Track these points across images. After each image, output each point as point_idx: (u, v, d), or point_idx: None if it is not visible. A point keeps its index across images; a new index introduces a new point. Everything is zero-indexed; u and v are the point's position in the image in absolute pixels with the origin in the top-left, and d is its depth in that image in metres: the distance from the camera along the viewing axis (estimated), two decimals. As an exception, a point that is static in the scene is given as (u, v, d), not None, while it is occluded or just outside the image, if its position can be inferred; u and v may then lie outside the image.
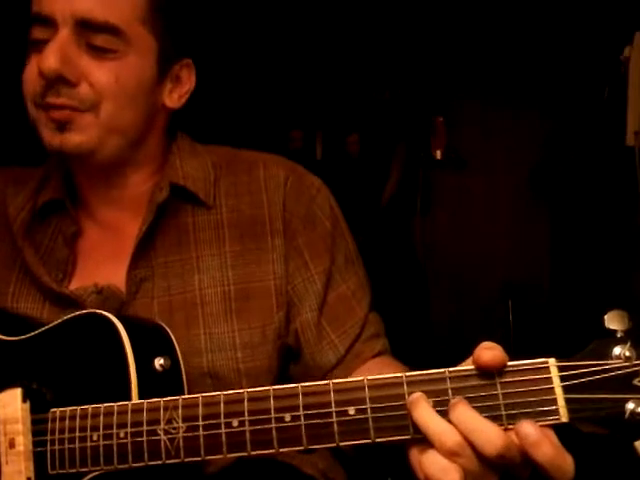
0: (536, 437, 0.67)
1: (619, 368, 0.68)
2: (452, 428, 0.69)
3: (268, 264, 1.03)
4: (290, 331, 1.05)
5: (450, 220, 4.30)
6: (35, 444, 0.84)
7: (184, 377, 0.90)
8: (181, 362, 0.90)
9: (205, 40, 1.19)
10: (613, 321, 0.70)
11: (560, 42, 3.83)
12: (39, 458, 0.84)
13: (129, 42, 0.97)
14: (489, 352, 0.70)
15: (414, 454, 0.72)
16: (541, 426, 0.68)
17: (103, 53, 0.96)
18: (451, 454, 0.69)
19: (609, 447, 0.73)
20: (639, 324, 0.69)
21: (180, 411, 0.78)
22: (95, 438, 0.80)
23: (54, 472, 0.83)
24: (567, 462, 0.68)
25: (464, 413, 0.69)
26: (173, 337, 0.92)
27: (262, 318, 1.02)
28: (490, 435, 0.68)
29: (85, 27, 0.95)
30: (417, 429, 0.71)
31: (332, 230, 1.09)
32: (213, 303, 1.01)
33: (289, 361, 1.07)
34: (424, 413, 0.70)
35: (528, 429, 0.67)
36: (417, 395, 0.71)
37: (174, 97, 1.06)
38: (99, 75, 0.96)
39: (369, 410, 0.72)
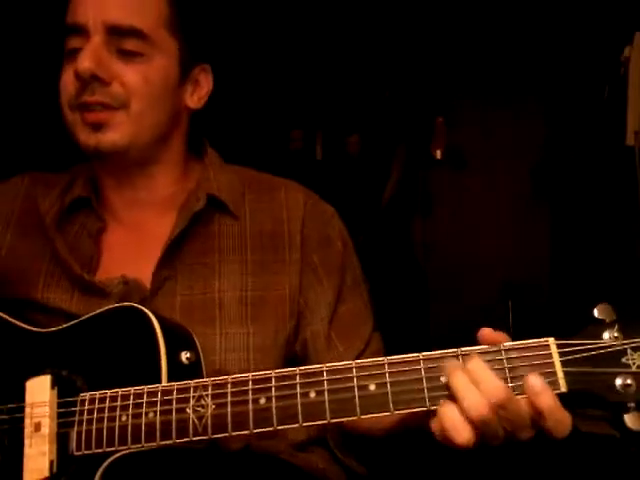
0: (540, 387, 0.76)
1: (609, 347, 0.78)
2: (483, 400, 0.77)
3: (285, 275, 1.11)
4: (299, 340, 1.11)
5: (450, 220, 4.31)
6: (60, 426, 0.87)
7: (204, 372, 0.94)
8: (202, 358, 0.95)
9: (219, 46, 1.30)
10: (602, 312, 0.80)
11: (560, 42, 3.84)
12: (63, 440, 0.86)
13: (154, 45, 1.07)
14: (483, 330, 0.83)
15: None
16: None
17: (132, 57, 1.06)
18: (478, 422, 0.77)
19: (607, 448, 0.81)
20: (624, 314, 0.79)
21: (210, 390, 0.82)
22: (124, 418, 0.83)
23: (79, 453, 0.85)
24: (566, 417, 0.77)
25: (477, 364, 0.79)
26: (195, 336, 0.97)
27: (275, 324, 1.08)
28: (495, 385, 0.77)
29: (114, 33, 1.04)
30: (432, 402, 0.79)
31: (343, 252, 1.17)
32: (231, 306, 1.07)
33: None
34: (460, 380, 0.79)
35: (533, 380, 0.77)
36: (454, 364, 0.80)
37: (194, 99, 1.16)
38: (130, 76, 1.05)
39: (389, 385, 0.80)
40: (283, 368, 1.06)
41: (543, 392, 0.76)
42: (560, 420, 0.77)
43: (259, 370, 1.01)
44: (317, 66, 4.11)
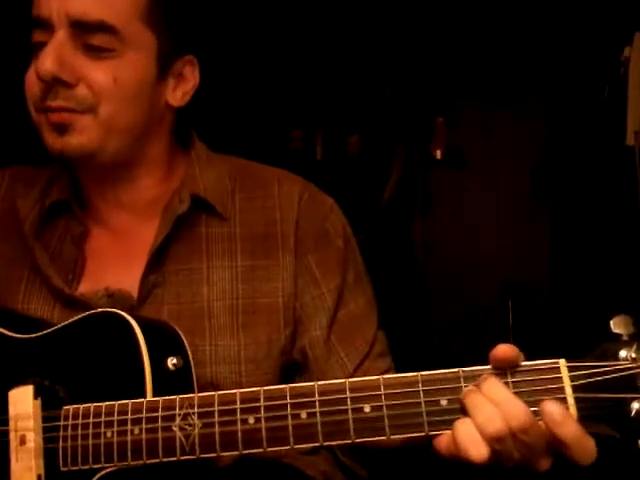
0: (561, 415, 0.69)
1: (626, 369, 0.71)
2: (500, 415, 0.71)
3: (278, 281, 1.03)
4: (297, 347, 1.04)
5: (450, 220, 4.31)
6: (46, 441, 0.84)
7: (194, 377, 0.90)
8: (192, 362, 0.90)
9: (206, 38, 1.18)
10: (619, 325, 0.73)
11: (560, 42, 3.84)
12: (50, 455, 0.83)
13: (126, 41, 0.96)
14: (504, 346, 0.73)
15: None
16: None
17: (100, 52, 0.95)
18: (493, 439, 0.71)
19: (611, 448, 0.75)
20: None
21: (196, 408, 0.78)
22: (109, 435, 0.80)
23: (66, 469, 0.82)
24: (591, 442, 0.70)
25: (495, 386, 0.72)
26: (184, 338, 0.92)
27: (268, 334, 1.02)
28: (517, 409, 0.71)
29: (80, 28, 0.94)
30: (431, 427, 0.73)
31: (344, 248, 1.09)
32: (221, 316, 1.01)
33: (294, 374, 1.06)
34: (476, 399, 0.73)
35: (552, 407, 0.69)
36: (472, 388, 0.74)
37: (177, 95, 1.05)
38: (96, 75, 0.95)
39: (385, 408, 0.74)
40: (280, 377, 1.02)
41: (565, 421, 0.69)
42: (586, 446, 0.70)
43: (252, 382, 0.97)
44: (317, 66, 4.11)
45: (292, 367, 1.06)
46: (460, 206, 4.29)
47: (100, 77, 0.94)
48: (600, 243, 3.62)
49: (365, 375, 1.02)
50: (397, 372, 0.85)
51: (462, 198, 4.29)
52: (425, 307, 4.15)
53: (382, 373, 1.04)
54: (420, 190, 4.26)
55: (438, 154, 4.23)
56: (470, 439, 0.71)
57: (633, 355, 0.71)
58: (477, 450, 0.71)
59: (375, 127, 4.21)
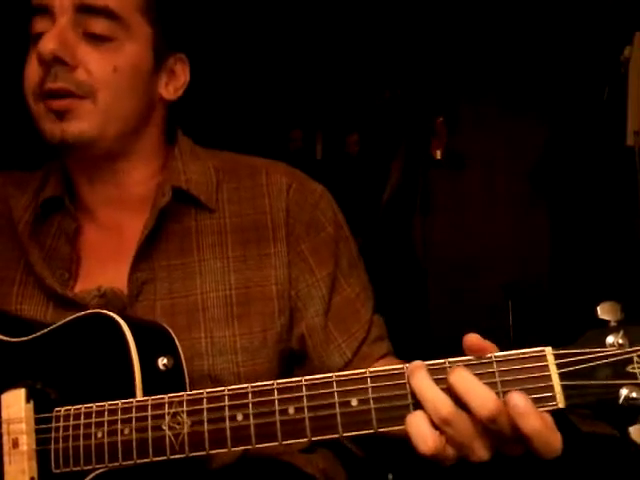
0: (524, 407, 0.68)
1: (613, 355, 0.70)
2: (447, 397, 0.71)
3: (270, 269, 1.04)
4: (294, 335, 1.05)
5: (450, 220, 4.31)
6: (39, 443, 0.84)
7: (186, 377, 0.90)
8: (183, 362, 0.91)
9: (206, 39, 1.19)
10: (606, 312, 0.72)
11: (560, 42, 3.84)
12: (43, 457, 0.83)
13: (127, 29, 0.98)
14: (470, 336, 0.74)
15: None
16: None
17: (101, 41, 0.97)
18: (443, 422, 0.71)
19: (607, 447, 0.74)
20: (631, 314, 0.72)
21: (185, 407, 0.78)
22: (100, 435, 0.80)
23: (58, 471, 0.82)
24: (555, 438, 0.70)
25: (462, 374, 0.71)
26: (175, 337, 0.92)
27: (263, 323, 1.03)
28: (484, 396, 0.70)
29: (84, 12, 0.96)
30: None
31: (335, 235, 1.09)
32: (215, 307, 1.02)
33: (292, 365, 1.07)
34: (422, 380, 0.72)
35: (517, 399, 0.69)
36: (417, 363, 0.74)
37: (170, 90, 1.07)
38: (96, 63, 0.97)
39: (371, 401, 0.74)
40: (279, 367, 1.03)
41: (528, 413, 0.68)
42: (548, 442, 0.69)
43: (250, 372, 0.99)
44: (317, 66, 4.11)
45: (290, 357, 1.06)
46: (460, 206, 4.29)
47: (100, 65, 0.97)
48: (600, 243, 3.62)
49: (364, 360, 1.05)
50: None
51: (462, 198, 4.29)
52: (425, 307, 4.16)
53: (380, 357, 1.07)
54: (420, 190, 4.26)
55: (438, 154, 4.23)
56: (419, 430, 0.70)
57: (620, 341, 0.70)
58: (425, 443, 0.70)
59: (375, 127, 4.22)
